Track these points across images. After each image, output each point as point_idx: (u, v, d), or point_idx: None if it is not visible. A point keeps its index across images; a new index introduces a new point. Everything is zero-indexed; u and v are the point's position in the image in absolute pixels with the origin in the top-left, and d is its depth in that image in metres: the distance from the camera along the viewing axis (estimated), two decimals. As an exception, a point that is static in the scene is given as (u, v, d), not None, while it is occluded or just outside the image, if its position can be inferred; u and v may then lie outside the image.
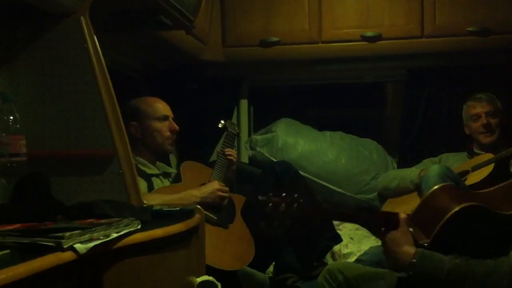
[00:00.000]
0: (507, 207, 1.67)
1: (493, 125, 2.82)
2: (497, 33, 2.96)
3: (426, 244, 1.62)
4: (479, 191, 1.83)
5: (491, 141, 2.83)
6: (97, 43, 1.65)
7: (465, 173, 2.74)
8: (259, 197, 1.66)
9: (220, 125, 2.74)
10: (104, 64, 1.66)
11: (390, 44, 3.08)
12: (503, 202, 1.70)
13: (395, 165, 3.45)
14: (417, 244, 1.63)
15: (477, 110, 2.87)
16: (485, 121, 2.83)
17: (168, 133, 2.46)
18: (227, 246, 2.37)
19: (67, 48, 1.65)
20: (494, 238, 1.62)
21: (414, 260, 1.57)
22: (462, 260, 1.52)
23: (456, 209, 1.62)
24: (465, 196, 1.77)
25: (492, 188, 1.81)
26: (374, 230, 1.85)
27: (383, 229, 1.68)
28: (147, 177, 2.39)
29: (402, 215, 1.69)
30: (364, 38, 3.07)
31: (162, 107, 2.48)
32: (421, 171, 2.83)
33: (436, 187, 1.78)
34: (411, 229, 1.66)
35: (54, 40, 1.66)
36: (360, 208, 3.26)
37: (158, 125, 2.44)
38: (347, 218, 1.96)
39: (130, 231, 1.24)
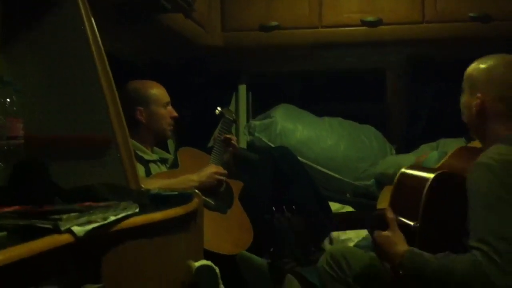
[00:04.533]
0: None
1: None
2: (500, 19, 2.92)
3: (418, 225, 1.62)
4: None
5: None
6: (94, 26, 1.63)
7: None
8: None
9: (217, 112, 2.74)
10: (101, 47, 1.64)
11: (391, 30, 3.06)
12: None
13: (394, 152, 3.44)
14: (408, 229, 1.63)
15: None
16: None
17: (170, 119, 2.49)
18: (225, 231, 2.37)
19: (65, 31, 1.63)
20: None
21: (403, 260, 1.58)
22: (447, 258, 1.51)
23: (429, 182, 1.62)
24: (432, 169, 1.79)
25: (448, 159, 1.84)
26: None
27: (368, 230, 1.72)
28: (145, 163, 2.39)
29: (388, 213, 1.68)
30: (364, 23, 3.04)
31: (164, 93, 2.51)
32: (418, 157, 2.83)
33: (402, 170, 1.78)
34: (399, 217, 1.67)
35: (52, 22, 1.63)
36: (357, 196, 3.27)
37: (163, 111, 2.47)
38: (345, 222, 1.96)
39: (128, 214, 1.23)
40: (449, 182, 1.64)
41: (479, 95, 1.67)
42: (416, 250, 1.58)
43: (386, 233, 1.65)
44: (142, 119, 2.42)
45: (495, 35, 2.97)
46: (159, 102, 2.45)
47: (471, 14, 2.92)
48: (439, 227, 1.59)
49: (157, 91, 2.47)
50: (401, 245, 1.61)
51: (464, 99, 1.74)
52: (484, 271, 1.39)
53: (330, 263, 1.96)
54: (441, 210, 1.61)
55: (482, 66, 1.71)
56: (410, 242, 1.62)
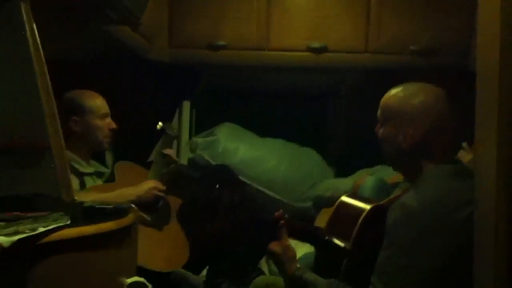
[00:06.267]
0: None
1: None
2: (442, 54, 3.00)
3: (347, 248, 1.69)
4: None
5: None
6: (35, 31, 1.59)
7: (398, 184, 2.81)
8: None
9: (158, 127, 2.71)
10: (42, 52, 1.60)
11: (335, 57, 3.11)
12: None
13: (333, 176, 3.50)
14: (342, 249, 1.71)
15: None
16: None
17: (107, 131, 2.44)
18: (161, 248, 2.33)
19: (5, 34, 1.58)
20: None
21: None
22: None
23: (367, 211, 1.72)
24: (369, 200, 1.89)
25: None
26: None
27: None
28: (80, 175, 2.33)
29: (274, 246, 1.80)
30: (310, 49, 3.09)
31: (103, 104, 2.46)
32: (355, 182, 2.88)
33: (341, 198, 1.90)
34: (333, 239, 1.76)
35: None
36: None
37: (100, 122, 2.42)
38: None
39: (59, 226, 1.20)
40: (383, 213, 1.66)
41: (410, 128, 1.65)
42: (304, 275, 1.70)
43: (278, 250, 1.78)
44: (76, 129, 2.37)
45: (436, 68, 3.04)
46: (95, 113, 2.41)
47: (412, 48, 3.01)
48: (368, 251, 1.64)
49: (94, 102, 2.42)
50: (291, 264, 1.76)
51: (387, 130, 1.72)
52: None
53: None
54: (372, 236, 1.65)
55: (408, 97, 1.70)
56: (341, 260, 1.69)
